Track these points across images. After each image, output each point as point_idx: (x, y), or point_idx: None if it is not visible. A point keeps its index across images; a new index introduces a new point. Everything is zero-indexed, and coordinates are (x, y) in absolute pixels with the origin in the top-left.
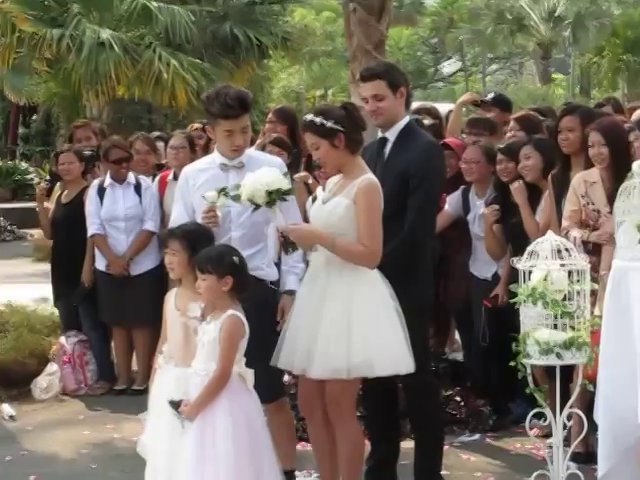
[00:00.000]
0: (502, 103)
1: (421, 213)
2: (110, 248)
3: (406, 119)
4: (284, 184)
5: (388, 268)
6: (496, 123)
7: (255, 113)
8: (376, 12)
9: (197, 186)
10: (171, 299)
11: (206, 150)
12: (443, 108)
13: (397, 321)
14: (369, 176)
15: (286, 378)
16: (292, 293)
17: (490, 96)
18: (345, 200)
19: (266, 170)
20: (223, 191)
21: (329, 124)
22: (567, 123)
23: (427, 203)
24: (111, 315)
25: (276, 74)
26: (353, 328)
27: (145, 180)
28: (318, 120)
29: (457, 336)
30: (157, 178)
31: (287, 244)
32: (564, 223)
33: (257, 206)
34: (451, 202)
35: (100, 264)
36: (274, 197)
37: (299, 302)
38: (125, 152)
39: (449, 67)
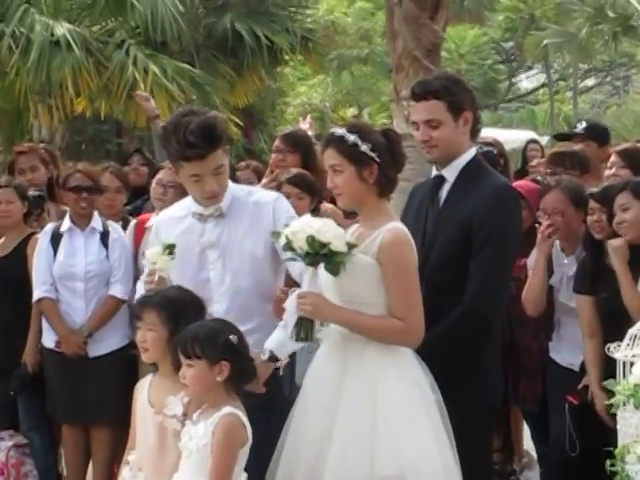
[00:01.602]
0: (598, 134)
1: (489, 279)
2: (62, 318)
3: (471, 153)
4: (337, 242)
5: (440, 355)
6: (588, 158)
7: (263, 138)
8: (429, 6)
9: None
10: (143, 391)
11: None
12: (519, 136)
13: (438, 420)
14: (395, 224)
15: None
16: (274, 359)
17: (581, 126)
18: (365, 258)
19: (325, 220)
20: (169, 249)
21: (364, 147)
22: None
23: (497, 266)
24: (62, 410)
25: (293, 86)
26: (379, 430)
27: (115, 228)
28: (352, 138)
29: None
30: (132, 224)
31: (301, 325)
32: None
33: (296, 257)
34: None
35: (48, 340)
36: (318, 250)
37: (304, 396)
38: (91, 181)
39: (528, 81)
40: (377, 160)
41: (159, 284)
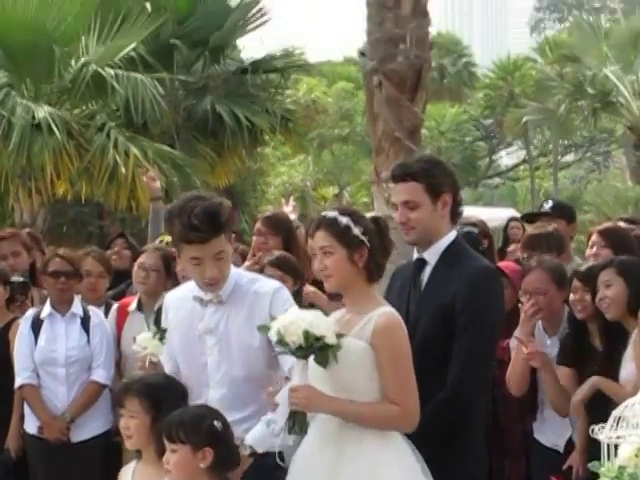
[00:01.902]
0: (565, 212)
1: (472, 362)
2: (44, 404)
3: (451, 236)
4: (330, 335)
5: (424, 438)
6: (563, 238)
7: (245, 218)
8: (409, 88)
9: (175, 322)
10: (127, 477)
11: None
12: (500, 214)
13: None
14: (387, 309)
15: None
16: (252, 453)
17: (548, 206)
18: (358, 342)
19: (314, 312)
20: (160, 333)
21: (356, 231)
22: None
23: (480, 348)
24: None
25: (274, 166)
26: None
27: (96, 313)
28: (344, 221)
29: None
30: (114, 308)
31: (294, 419)
32: None
33: (287, 350)
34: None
35: (30, 426)
36: (313, 344)
37: None
38: (70, 266)
39: (509, 158)
40: (367, 244)
41: (152, 369)
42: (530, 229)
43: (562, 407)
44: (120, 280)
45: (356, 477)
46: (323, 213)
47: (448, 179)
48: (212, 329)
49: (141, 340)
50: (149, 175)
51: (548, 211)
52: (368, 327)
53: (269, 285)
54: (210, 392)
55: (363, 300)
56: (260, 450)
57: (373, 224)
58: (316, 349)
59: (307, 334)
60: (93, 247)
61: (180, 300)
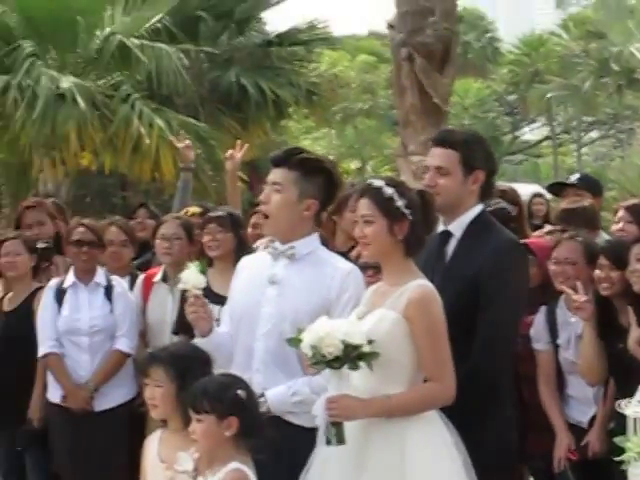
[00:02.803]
0: (593, 186)
1: (494, 338)
2: (68, 373)
3: (477, 209)
4: (364, 343)
5: (450, 410)
6: (597, 213)
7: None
8: (438, 60)
9: (243, 278)
10: (153, 446)
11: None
12: (523, 190)
13: None
14: (423, 282)
15: None
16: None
17: (574, 178)
18: (391, 313)
19: (346, 320)
20: (201, 266)
21: (399, 203)
22: None
23: (504, 321)
24: (67, 465)
25: (297, 140)
26: None
27: (119, 282)
28: (389, 191)
29: None
30: (140, 278)
31: (334, 429)
32: None
33: (321, 362)
34: (537, 334)
35: (54, 395)
36: (350, 353)
37: (322, 465)
38: (93, 235)
39: (532, 134)
40: (410, 217)
41: (197, 304)
42: (564, 203)
43: (594, 372)
44: (145, 251)
45: (386, 448)
46: (369, 181)
47: (486, 157)
48: (277, 280)
49: (184, 275)
50: (186, 143)
51: (575, 182)
52: (402, 298)
53: (348, 264)
54: (257, 343)
55: (399, 272)
56: (273, 412)
57: (419, 197)
58: (352, 358)
59: (345, 344)
60: (116, 217)
61: (254, 259)
